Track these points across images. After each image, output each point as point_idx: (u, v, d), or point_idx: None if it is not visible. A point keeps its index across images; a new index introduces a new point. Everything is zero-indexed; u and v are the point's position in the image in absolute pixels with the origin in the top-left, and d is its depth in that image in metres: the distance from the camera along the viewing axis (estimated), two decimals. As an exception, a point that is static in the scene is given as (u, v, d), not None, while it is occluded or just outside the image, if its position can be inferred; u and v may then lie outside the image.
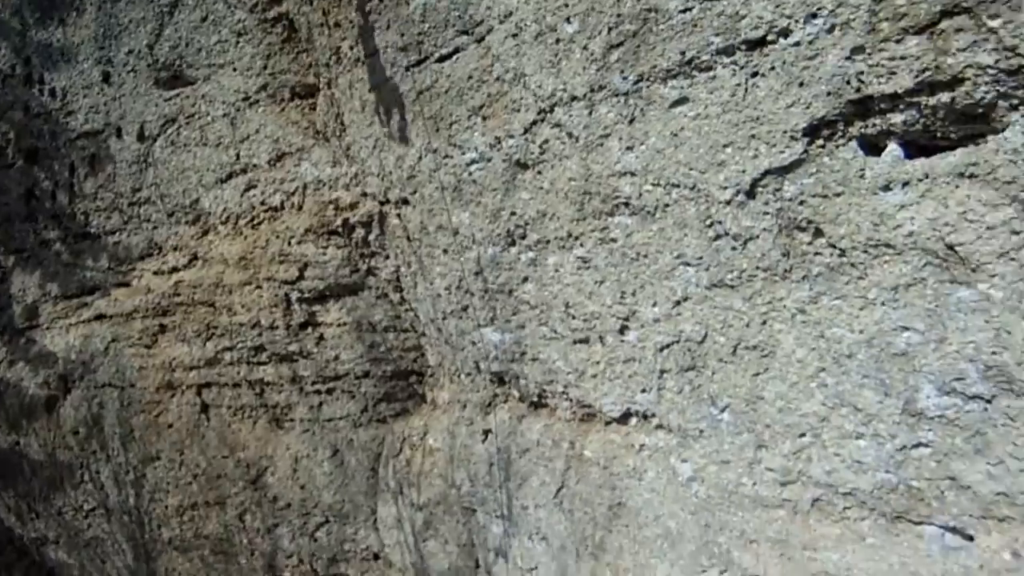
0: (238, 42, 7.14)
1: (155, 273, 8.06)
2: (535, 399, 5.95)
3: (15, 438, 8.56)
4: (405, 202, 6.37)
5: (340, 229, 6.90)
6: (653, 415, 5.08)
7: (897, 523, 4.06)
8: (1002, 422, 3.59)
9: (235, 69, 7.28)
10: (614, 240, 4.86)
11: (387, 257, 6.85)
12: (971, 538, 3.82)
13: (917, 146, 3.78)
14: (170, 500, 7.92)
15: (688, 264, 4.55)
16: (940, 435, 3.80)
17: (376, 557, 7.49)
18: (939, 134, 3.72)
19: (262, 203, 7.41)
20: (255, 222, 7.47)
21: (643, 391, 5.05)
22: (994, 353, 3.55)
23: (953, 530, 3.87)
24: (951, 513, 3.84)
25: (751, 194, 4.20)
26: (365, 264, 6.97)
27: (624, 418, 5.32)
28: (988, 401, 3.62)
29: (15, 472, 8.58)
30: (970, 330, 3.60)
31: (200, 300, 7.69)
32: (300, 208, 7.27)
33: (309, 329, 7.28)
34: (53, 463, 8.35)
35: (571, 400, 5.63)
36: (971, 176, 3.55)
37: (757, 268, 4.27)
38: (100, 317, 8.30)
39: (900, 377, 3.86)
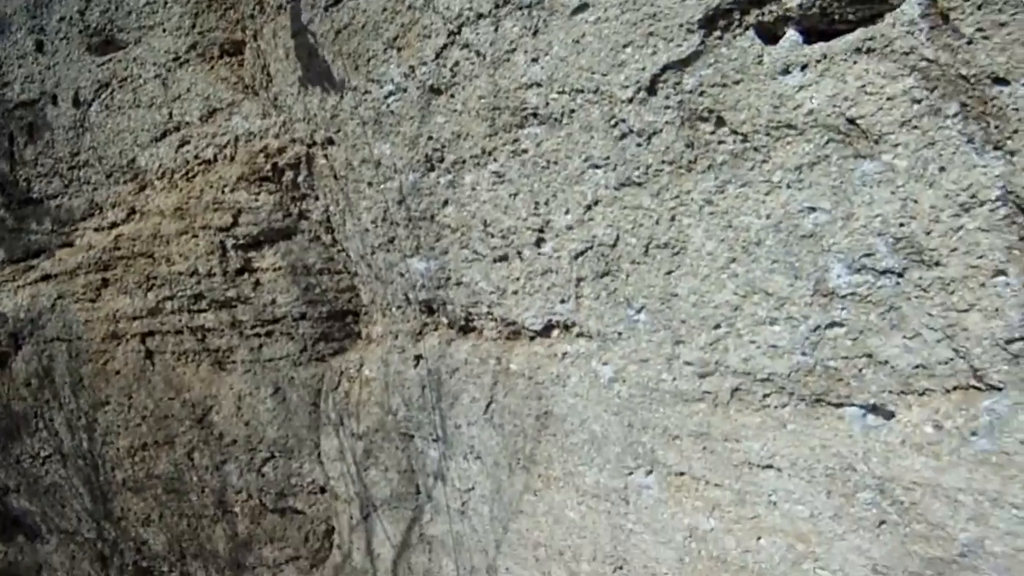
0: (166, 2, 6.72)
1: (96, 230, 7.64)
2: (462, 323, 5.66)
3: None
4: (330, 142, 6.03)
5: (271, 175, 6.54)
6: (573, 324, 4.79)
7: (817, 406, 3.79)
8: (915, 294, 3.30)
9: (164, 30, 6.87)
10: (525, 151, 4.52)
11: (316, 199, 6.50)
12: (892, 414, 3.56)
13: (816, 31, 3.46)
14: (121, 442, 7.50)
15: (596, 167, 4.21)
16: (854, 313, 3.50)
17: (323, 490, 7.18)
18: (837, 16, 3.40)
19: (196, 157, 7.04)
20: (190, 175, 7.12)
21: (562, 301, 4.75)
22: (902, 224, 3.24)
23: (873, 408, 3.60)
24: (870, 391, 3.56)
25: (652, 90, 3.88)
26: (296, 208, 6.62)
27: (546, 330, 5.02)
28: (899, 275, 3.32)
29: None
30: (876, 203, 3.28)
31: (139, 252, 7.29)
32: (232, 159, 6.92)
33: (246, 275, 6.92)
34: (8, 414, 7.87)
35: (496, 319, 5.34)
36: (869, 51, 3.23)
37: (663, 163, 3.93)
38: (46, 277, 7.85)
39: (809, 259, 3.54)
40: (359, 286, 6.66)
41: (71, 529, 7.99)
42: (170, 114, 7.06)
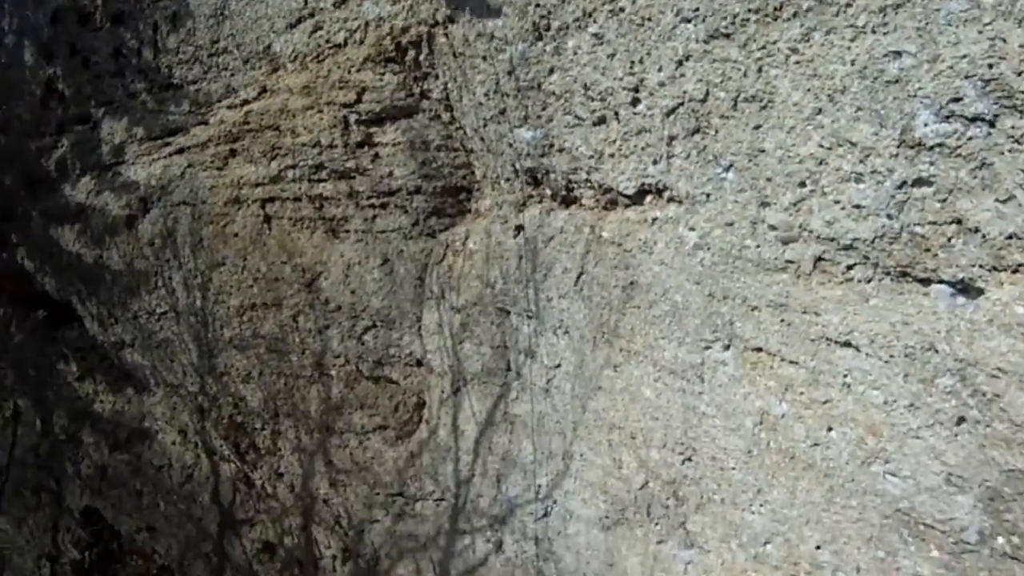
0: None
1: (228, 108, 7.85)
2: (563, 193, 5.70)
3: (98, 252, 8.48)
4: (451, 20, 6.09)
5: (395, 55, 6.63)
6: (664, 187, 4.77)
7: (902, 281, 3.68)
8: (1008, 147, 3.15)
9: (298, -79, 6.88)
10: (622, 10, 4.53)
11: (436, 77, 6.55)
12: (980, 291, 3.41)
13: None
14: (232, 301, 7.78)
15: (687, 20, 4.21)
16: (942, 168, 3.37)
17: (419, 363, 7.26)
18: None
19: (327, 41, 7.17)
20: (320, 58, 7.22)
21: (654, 162, 4.73)
22: (990, 66, 3.14)
23: (961, 283, 3.46)
24: (959, 264, 3.42)
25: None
26: (418, 87, 6.70)
27: (639, 196, 5.03)
28: (991, 123, 3.18)
29: (98, 282, 8.52)
30: (963, 43, 3.19)
31: (267, 125, 7.45)
32: (361, 43, 6.97)
33: (365, 148, 7.01)
34: (131, 272, 8.26)
35: (594, 186, 5.37)
36: None
37: (749, 11, 3.90)
38: (180, 151, 8.15)
39: (895, 105, 3.47)
40: (473, 162, 6.69)
41: (176, 383, 8.37)
42: (305, 1, 7.20)
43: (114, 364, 8.80)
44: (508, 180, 6.29)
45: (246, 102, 7.74)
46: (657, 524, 5.51)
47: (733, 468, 4.69)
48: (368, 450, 7.74)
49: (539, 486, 6.61)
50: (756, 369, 4.47)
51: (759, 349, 4.44)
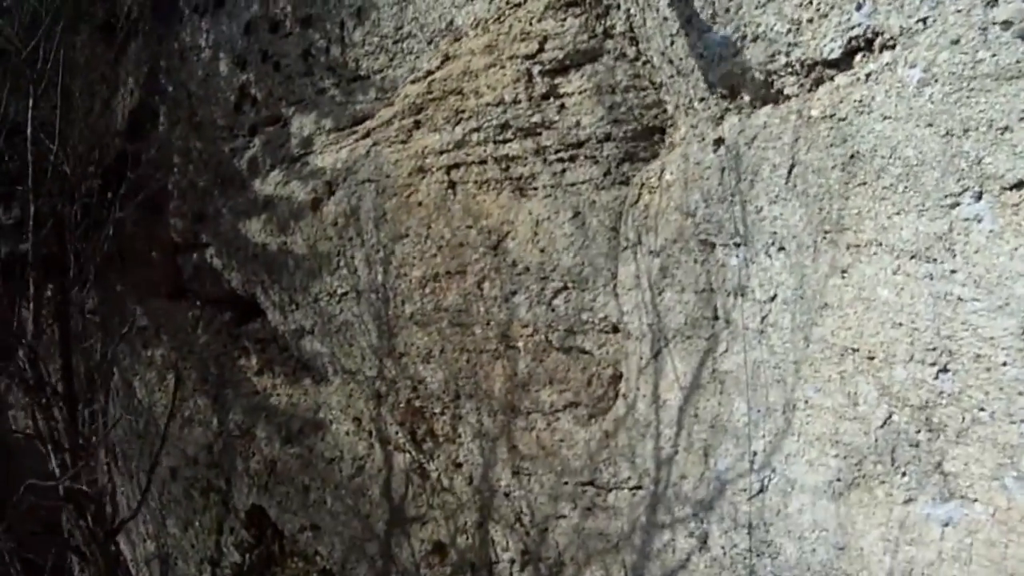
0: None
1: (412, 83, 7.52)
2: (763, 91, 5.03)
3: (283, 239, 8.13)
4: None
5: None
6: (874, 33, 4.11)
7: None
8: None
9: None
10: None
11: (618, 7, 6.05)
12: None
13: None
14: (414, 273, 7.21)
15: None
16: None
17: (615, 329, 6.47)
18: None
19: (507, 3, 6.85)
20: (501, 19, 6.87)
21: (858, 7, 4.12)
22: None
23: None
24: None
25: None
26: (600, 26, 6.22)
27: (847, 56, 4.33)
28: None
29: (281, 269, 8.15)
30: None
31: (449, 91, 7.10)
32: None
33: (551, 100, 6.53)
34: (314, 254, 7.84)
35: (795, 68, 4.68)
36: None
37: None
38: (366, 134, 7.84)
39: None
40: (664, 97, 6.09)
41: (353, 368, 7.78)
42: (486, -30, 6.88)
43: (292, 355, 8.34)
44: (702, 99, 5.63)
45: (429, 73, 7.41)
46: (903, 474, 4.50)
47: (1005, 364, 3.74)
48: (557, 432, 6.85)
49: (754, 453, 5.63)
50: (1020, 211, 3.59)
51: (1019, 184, 3.57)
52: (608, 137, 6.32)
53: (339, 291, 7.72)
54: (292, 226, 8.00)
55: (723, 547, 5.83)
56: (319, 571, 8.01)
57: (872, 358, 4.55)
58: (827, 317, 4.85)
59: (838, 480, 4.94)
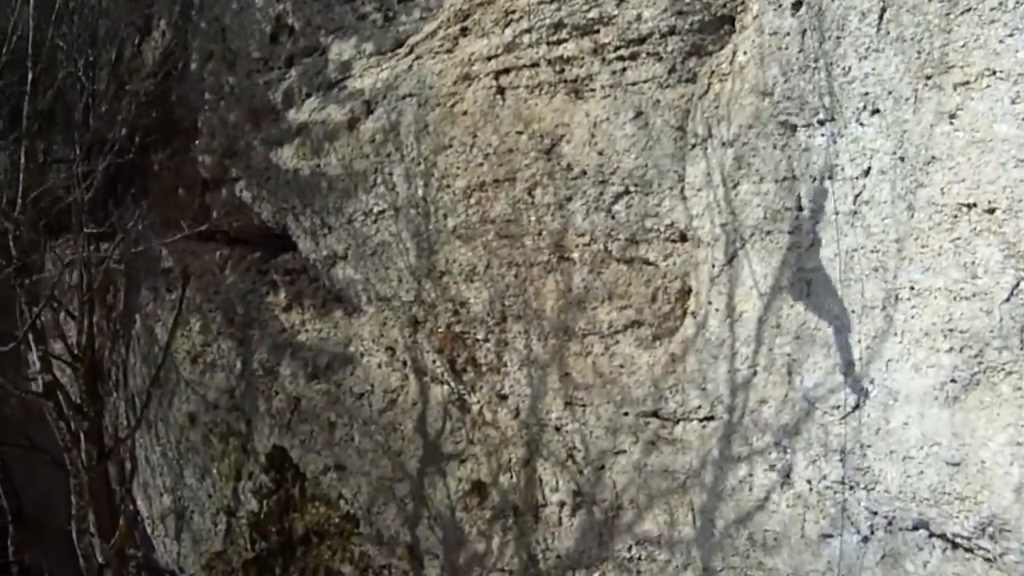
0: None
1: (458, -7, 6.78)
2: None
3: (316, 162, 7.32)
4: None
5: None
6: None
7: None
8: None
9: None
10: None
11: None
12: None
13: None
14: (458, 184, 6.36)
15: None
16: None
17: (682, 237, 5.62)
18: None
19: None
20: None
21: None
22: None
23: None
24: None
25: None
26: None
27: None
28: None
29: (313, 192, 7.35)
30: None
31: None
32: None
33: None
34: (349, 174, 7.04)
35: None
36: None
37: None
38: (408, 51, 6.98)
39: None
40: None
41: (389, 294, 6.89)
42: None
43: (323, 285, 7.51)
44: (777, -29, 5.07)
45: (472, -23, 6.74)
46: (1035, 356, 3.86)
47: None
48: (616, 356, 5.98)
49: (848, 364, 4.74)
50: None
51: None
52: (672, 31, 5.51)
53: (375, 209, 6.85)
54: (327, 148, 7.16)
55: (809, 481, 4.94)
56: (342, 516, 7.07)
57: (992, 211, 3.85)
58: (935, 173, 4.09)
59: (952, 381, 4.11)
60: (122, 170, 8.42)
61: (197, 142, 8.16)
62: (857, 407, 4.71)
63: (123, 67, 8.99)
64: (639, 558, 5.85)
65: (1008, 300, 3.82)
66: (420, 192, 6.51)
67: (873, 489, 4.66)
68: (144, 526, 8.96)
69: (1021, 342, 3.75)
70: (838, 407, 4.77)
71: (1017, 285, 3.79)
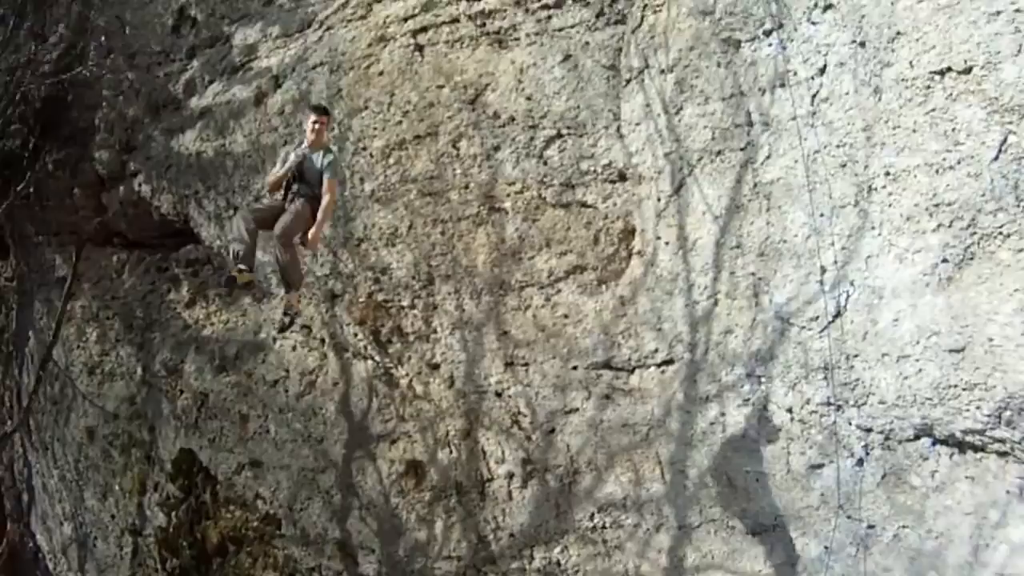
0: None
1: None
2: None
3: (221, 142, 6.58)
4: None
5: None
6: None
7: None
8: None
9: None
10: None
11: None
12: None
13: None
14: (375, 145, 5.69)
15: None
16: None
17: (622, 177, 5.05)
18: None
19: None
20: None
21: None
22: None
23: None
24: None
25: None
26: None
27: None
28: None
29: (218, 173, 6.62)
30: None
31: None
32: None
33: None
34: (256, 149, 6.35)
35: None
36: None
37: None
38: (319, 26, 6.28)
39: None
40: None
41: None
42: None
43: (228, 270, 6.38)
44: None
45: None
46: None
47: None
48: (559, 307, 5.35)
49: (822, 270, 4.22)
50: None
51: None
52: (598, -23, 5.30)
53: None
54: (232, 126, 6.45)
55: (790, 409, 4.39)
56: (260, 518, 6.15)
57: (969, 70, 3.39)
58: (901, 49, 3.69)
59: (943, 262, 3.64)
60: (12, 178, 7.59)
61: (96, 139, 7.27)
62: (838, 315, 4.18)
63: (17, 73, 8.13)
64: (603, 526, 5.15)
65: (997, 158, 3.37)
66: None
67: (865, 404, 4.08)
68: (45, 563, 7.78)
69: (1017, 199, 3.26)
70: (816, 319, 4.24)
71: (1005, 140, 3.34)
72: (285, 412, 6.05)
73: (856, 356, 3.98)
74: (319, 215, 4.65)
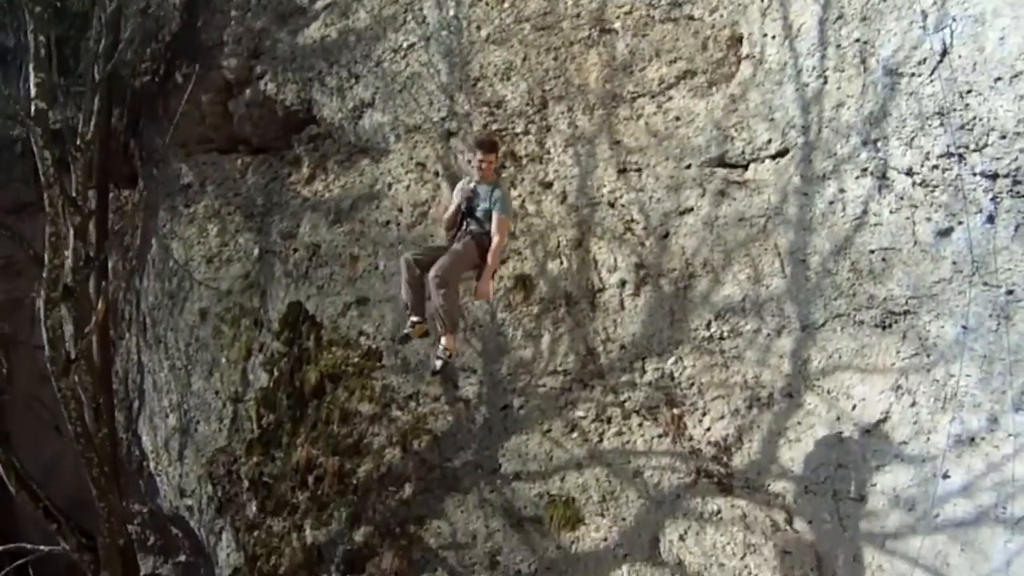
0: None
1: None
2: None
3: (344, 23, 6.70)
4: None
5: None
6: None
7: None
8: None
9: None
10: None
11: None
12: None
13: None
14: None
15: None
16: None
17: None
18: None
19: None
20: None
21: None
22: None
23: None
24: None
25: None
26: None
27: None
28: None
29: (340, 49, 6.69)
30: None
31: None
32: None
33: None
34: (377, 21, 6.44)
35: None
36: None
37: None
38: None
39: None
40: None
41: (420, 121, 6.20)
42: None
43: (349, 142, 6.71)
44: None
45: None
46: None
47: None
48: (671, 111, 5.32)
49: (924, 14, 4.09)
50: None
51: None
52: None
53: (405, 45, 6.29)
54: (354, 6, 6.63)
55: (911, 170, 4.20)
56: (362, 354, 6.09)
57: None
58: None
59: None
60: (144, 98, 8.11)
61: (224, 50, 7.62)
62: (945, 53, 4.03)
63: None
64: (721, 336, 4.94)
65: None
66: (452, 12, 5.96)
67: (986, 144, 3.89)
68: (149, 469, 7.85)
69: None
70: (923, 61, 4.10)
71: None
72: (395, 246, 6.02)
73: (969, 92, 3.82)
74: (489, 258, 4.56)
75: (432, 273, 4.52)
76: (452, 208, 4.71)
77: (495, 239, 4.54)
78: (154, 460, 7.72)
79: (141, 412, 7.98)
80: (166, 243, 7.77)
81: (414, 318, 4.63)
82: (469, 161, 5.21)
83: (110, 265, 8.17)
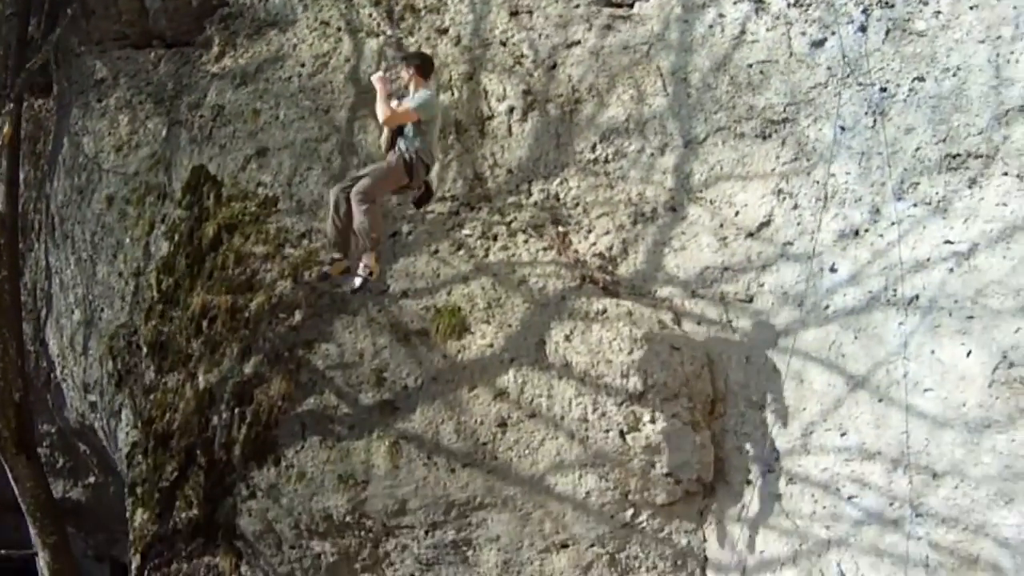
0: None
1: None
2: None
3: None
4: None
5: None
6: None
7: None
8: None
9: None
10: None
11: None
12: None
13: None
14: None
15: None
16: None
17: None
18: None
19: None
20: None
21: None
22: None
23: None
24: None
25: None
26: None
27: None
28: None
29: None
30: None
31: None
32: None
33: None
34: None
35: None
36: None
37: None
38: None
39: None
40: None
41: None
42: None
43: (259, 17, 6.62)
44: None
45: None
46: None
47: None
48: None
49: None
50: None
51: None
52: None
53: None
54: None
55: None
56: (259, 203, 6.03)
57: None
58: None
59: None
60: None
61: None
62: None
63: None
64: (605, 158, 5.05)
65: None
66: None
67: None
68: (55, 383, 7.72)
69: None
70: None
71: None
72: (295, 97, 6.04)
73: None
74: (378, 103, 4.53)
75: (355, 189, 4.51)
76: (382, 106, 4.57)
77: (403, 105, 4.51)
78: (60, 364, 7.53)
79: (48, 318, 7.80)
80: (77, 140, 7.61)
81: (335, 254, 4.65)
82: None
83: (21, 177, 8.07)
